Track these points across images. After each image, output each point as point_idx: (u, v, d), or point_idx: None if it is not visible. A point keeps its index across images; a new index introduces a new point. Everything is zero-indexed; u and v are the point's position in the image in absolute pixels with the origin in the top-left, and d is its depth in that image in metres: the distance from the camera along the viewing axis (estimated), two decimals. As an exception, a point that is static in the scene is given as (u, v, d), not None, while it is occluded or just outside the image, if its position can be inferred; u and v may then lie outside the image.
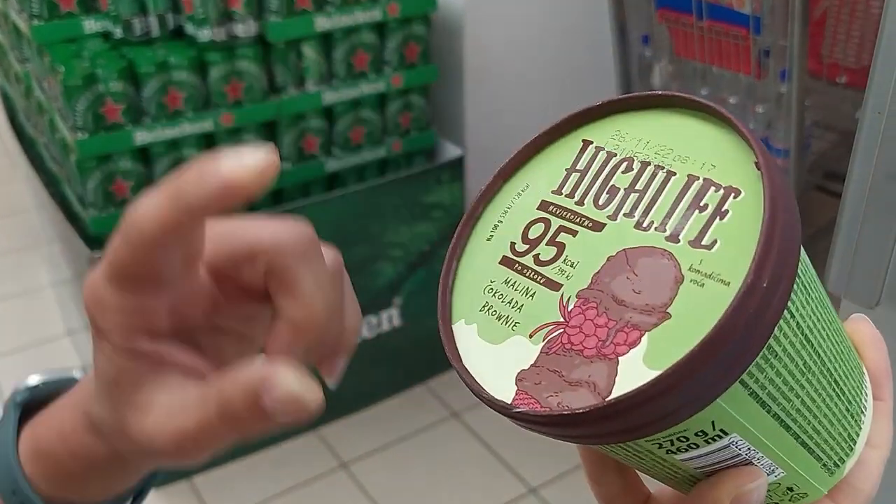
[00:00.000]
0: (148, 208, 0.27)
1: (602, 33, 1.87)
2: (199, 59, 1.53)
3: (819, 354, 0.28)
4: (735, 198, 0.26)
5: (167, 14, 1.56)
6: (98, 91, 1.46)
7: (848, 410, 0.31)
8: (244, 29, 1.53)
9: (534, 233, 0.30)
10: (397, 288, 1.88)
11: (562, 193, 0.31)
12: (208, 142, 1.61)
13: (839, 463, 0.31)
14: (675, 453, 0.27)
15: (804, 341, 0.27)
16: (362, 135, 1.77)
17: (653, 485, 0.34)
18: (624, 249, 0.28)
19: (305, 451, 1.82)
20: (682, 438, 0.26)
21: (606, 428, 0.25)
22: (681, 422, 0.25)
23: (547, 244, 0.30)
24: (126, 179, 1.55)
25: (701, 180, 0.27)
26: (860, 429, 0.32)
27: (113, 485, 0.36)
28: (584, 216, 0.29)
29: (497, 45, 1.84)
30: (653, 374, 0.24)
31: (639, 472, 0.34)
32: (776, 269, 0.24)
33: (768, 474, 0.29)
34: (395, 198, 1.80)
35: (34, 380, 0.37)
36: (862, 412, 0.32)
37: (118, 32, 1.53)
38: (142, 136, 1.52)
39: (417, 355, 1.95)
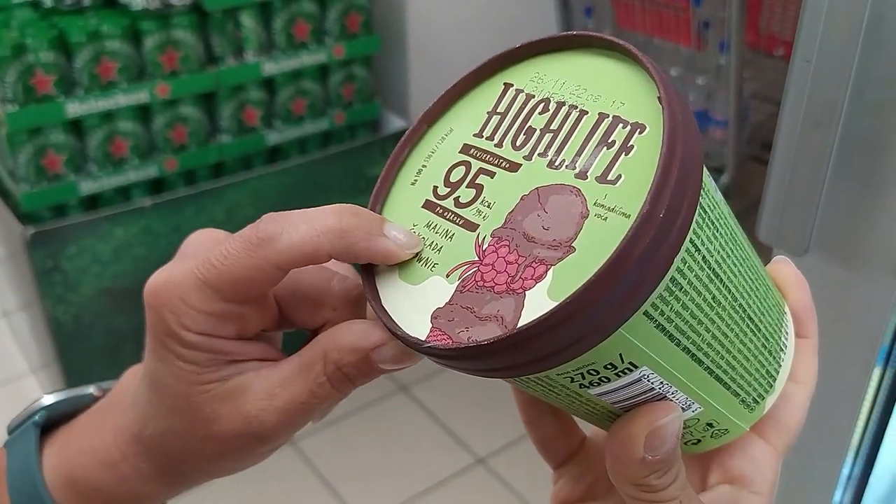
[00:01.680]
0: (294, 235, 0.28)
1: (546, 5, 1.87)
2: (133, 28, 1.49)
3: (729, 290, 0.29)
4: (640, 133, 0.27)
5: (99, -19, 1.51)
6: (28, 62, 1.40)
7: (765, 347, 0.31)
8: (179, -3, 1.49)
9: (455, 176, 0.31)
10: (343, 262, 1.86)
11: (483, 136, 0.31)
12: (143, 113, 1.56)
13: (758, 399, 0.32)
14: (588, 387, 0.28)
15: (711, 275, 0.27)
16: (304, 106, 1.74)
17: (588, 429, 0.35)
18: (537, 188, 0.28)
19: (252, 428, 1.80)
20: (592, 371, 0.27)
21: (512, 359, 0.25)
22: (585, 352, 0.25)
23: (467, 186, 0.30)
24: (58, 153, 1.50)
25: (610, 118, 0.28)
26: (779, 366, 0.32)
27: None
28: (502, 157, 0.30)
29: (440, 15, 1.83)
30: (554, 304, 0.24)
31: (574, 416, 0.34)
32: (674, 200, 0.24)
33: (684, 409, 0.29)
34: (339, 171, 1.78)
35: (49, 399, 0.35)
36: (781, 349, 0.32)
37: (48, 1, 1.47)
38: (74, 108, 1.47)
39: (364, 329, 1.94)
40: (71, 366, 1.61)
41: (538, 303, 0.25)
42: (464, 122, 0.33)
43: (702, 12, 1.78)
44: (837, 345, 0.53)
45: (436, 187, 0.32)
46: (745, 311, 0.30)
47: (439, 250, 0.30)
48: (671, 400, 0.28)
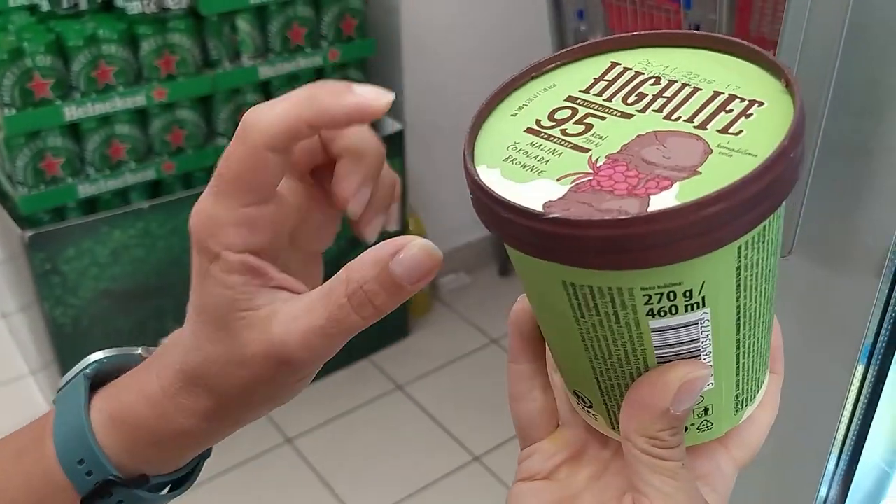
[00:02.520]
0: (271, 112, 0.29)
1: (539, 8, 1.88)
2: (130, 33, 1.50)
3: (774, 275, 0.30)
4: (759, 107, 0.28)
5: (95, -15, 1.52)
6: (25, 65, 1.42)
7: (766, 350, 0.33)
8: (175, 1, 1.50)
9: (561, 115, 0.31)
10: (339, 263, 1.88)
11: (590, 93, 0.31)
12: (141, 117, 1.58)
13: (744, 404, 0.33)
14: (652, 316, 0.28)
15: (775, 251, 0.29)
16: (300, 109, 1.75)
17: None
18: (654, 131, 0.29)
19: (250, 428, 1.81)
20: (671, 294, 0.27)
21: (646, 241, 0.25)
22: (700, 254, 0.26)
23: (574, 123, 0.30)
24: (56, 156, 1.51)
25: (726, 94, 0.29)
26: (765, 379, 0.34)
27: (193, 449, 0.36)
28: (612, 108, 0.30)
29: (435, 18, 1.84)
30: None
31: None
32: (798, 152, 0.26)
33: None
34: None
35: (99, 355, 0.37)
36: (767, 366, 0.34)
37: (45, 5, 1.49)
38: (71, 112, 1.49)
39: (362, 331, 1.95)
40: (70, 367, 1.62)
41: (665, 203, 0.26)
42: (569, 81, 0.32)
43: (692, 15, 1.79)
44: (821, 343, 0.54)
45: (539, 120, 0.31)
46: (772, 303, 0.31)
47: (546, 162, 0.29)
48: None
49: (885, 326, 0.52)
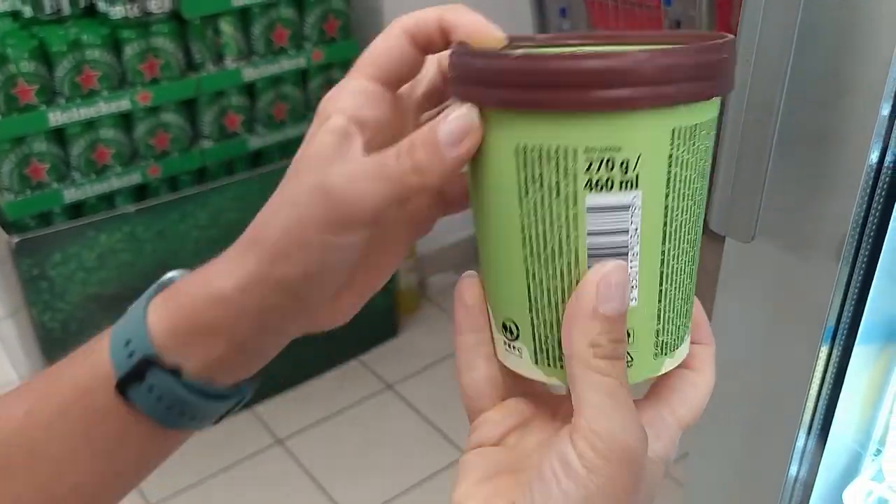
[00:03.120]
0: (415, 11, 0.34)
1: (521, 7, 1.90)
2: (113, 37, 1.51)
3: (699, 206, 0.32)
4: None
5: (78, -9, 1.53)
6: (9, 72, 1.42)
7: (687, 301, 0.34)
8: (158, 5, 1.51)
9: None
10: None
11: None
12: (125, 121, 1.58)
13: (665, 350, 0.34)
14: (591, 189, 0.30)
15: (702, 173, 0.32)
16: (285, 111, 1.76)
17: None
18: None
19: (241, 430, 1.83)
20: (609, 163, 0.30)
21: (594, 77, 0.29)
22: (638, 107, 0.29)
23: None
24: (41, 162, 1.52)
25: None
26: (685, 336, 0.35)
27: (233, 342, 0.36)
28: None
29: (416, 18, 1.85)
30: None
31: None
32: (730, 58, 0.31)
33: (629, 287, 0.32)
34: (321, 173, 1.80)
35: (176, 273, 0.38)
36: (688, 321, 0.35)
37: (28, 11, 1.49)
38: (56, 117, 1.49)
39: (350, 330, 1.96)
40: (59, 372, 1.63)
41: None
42: None
43: (673, 11, 1.82)
44: (787, 325, 0.56)
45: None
46: (696, 245, 0.33)
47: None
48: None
49: (846, 308, 0.54)
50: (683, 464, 0.67)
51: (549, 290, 0.32)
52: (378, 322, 2.01)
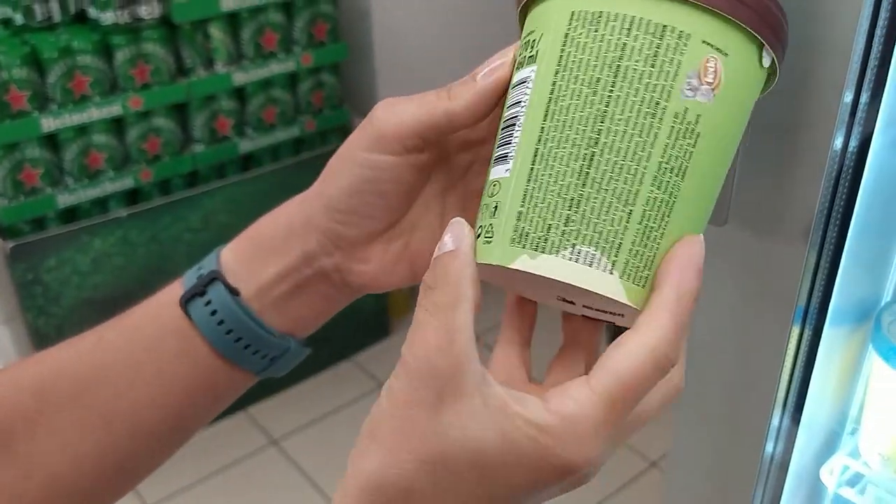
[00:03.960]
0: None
1: (510, 11, 1.91)
2: (104, 43, 1.53)
3: (606, 105, 0.31)
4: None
5: (68, -2, 1.55)
6: (1, 78, 1.44)
7: (566, 203, 0.31)
8: (148, 10, 1.53)
9: None
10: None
11: None
12: (117, 126, 1.60)
13: (523, 242, 0.31)
14: (516, 69, 0.34)
15: (617, 70, 0.31)
16: (275, 114, 1.78)
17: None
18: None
19: (235, 431, 1.84)
20: (527, 44, 0.33)
21: None
22: None
23: None
24: (35, 167, 1.53)
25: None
26: (564, 247, 0.31)
27: (313, 294, 0.42)
28: None
29: (405, 21, 1.88)
30: None
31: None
32: None
33: (504, 158, 0.33)
34: (311, 177, 1.80)
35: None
36: (566, 227, 0.31)
37: (19, 18, 1.51)
38: (49, 123, 1.51)
39: (343, 331, 1.98)
40: (54, 375, 1.64)
41: None
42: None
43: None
44: (760, 307, 0.58)
45: None
46: (594, 147, 0.31)
47: None
48: (510, 143, 0.33)
49: (815, 290, 0.56)
50: (663, 445, 0.69)
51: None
52: (370, 323, 2.03)
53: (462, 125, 0.37)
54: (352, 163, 0.39)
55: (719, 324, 0.60)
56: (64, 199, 1.58)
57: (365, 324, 2.00)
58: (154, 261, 1.66)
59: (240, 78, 1.69)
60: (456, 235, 0.32)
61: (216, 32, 1.63)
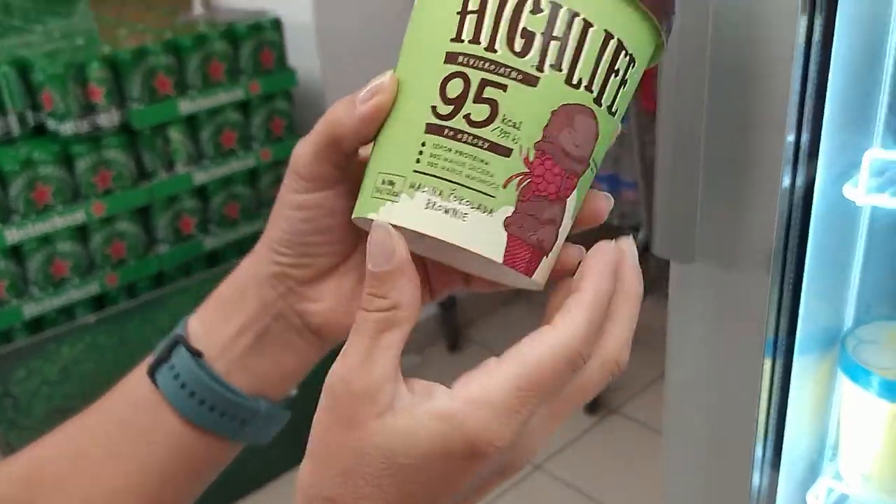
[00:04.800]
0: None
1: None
2: (65, 153, 1.55)
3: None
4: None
5: (26, 112, 1.57)
6: (-38, 194, 1.45)
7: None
8: (108, 119, 1.56)
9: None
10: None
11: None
12: (81, 233, 1.61)
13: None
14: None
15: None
16: (237, 210, 1.81)
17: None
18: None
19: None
20: None
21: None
22: None
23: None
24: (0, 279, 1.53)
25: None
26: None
27: (277, 346, 0.42)
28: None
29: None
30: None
31: None
32: None
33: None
34: (277, 268, 1.83)
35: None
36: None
37: (-23, 135, 1.53)
38: (12, 235, 1.51)
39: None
40: (25, 492, 1.59)
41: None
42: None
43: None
44: (732, 341, 0.61)
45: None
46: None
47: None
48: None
49: (781, 321, 0.60)
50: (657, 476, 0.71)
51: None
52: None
53: (352, 148, 0.37)
54: (285, 206, 0.40)
55: (695, 360, 0.63)
56: (30, 310, 1.57)
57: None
58: (124, 364, 1.62)
59: (201, 177, 1.72)
60: (381, 242, 0.32)
61: (175, 135, 1.67)
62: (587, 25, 0.29)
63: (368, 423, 0.31)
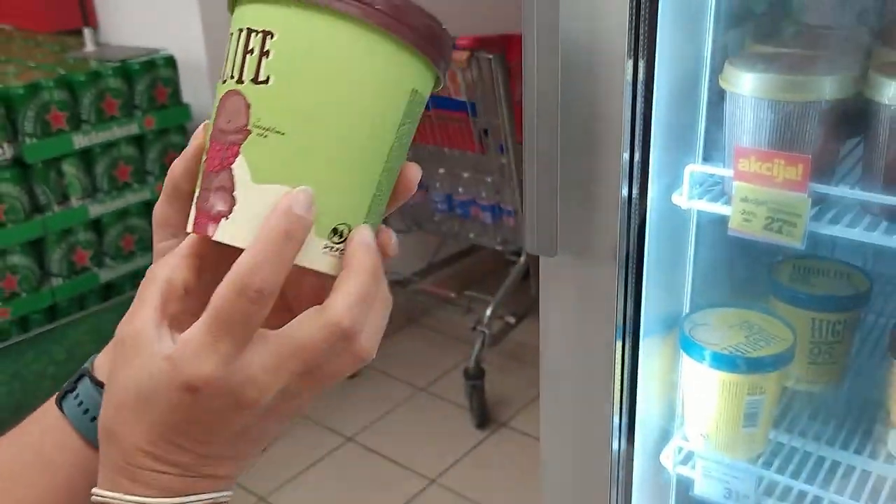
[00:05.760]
0: None
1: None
2: (-45, 187, 1.55)
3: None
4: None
5: (-86, 147, 1.57)
6: None
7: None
8: (0, 153, 1.58)
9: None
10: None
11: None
12: (-27, 267, 1.61)
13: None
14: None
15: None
16: (133, 242, 1.84)
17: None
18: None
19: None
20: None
21: None
22: None
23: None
24: None
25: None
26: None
27: None
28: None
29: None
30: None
31: None
32: None
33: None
34: (173, 298, 1.87)
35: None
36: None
37: None
38: None
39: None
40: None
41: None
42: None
43: (480, 122, 2.08)
44: (588, 326, 0.73)
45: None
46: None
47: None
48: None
49: (628, 309, 0.72)
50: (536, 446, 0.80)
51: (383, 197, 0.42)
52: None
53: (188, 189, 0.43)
54: (157, 256, 0.44)
55: (565, 343, 0.75)
56: (-84, 346, 1.55)
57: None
58: (17, 398, 1.63)
59: (96, 210, 1.74)
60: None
61: (69, 168, 1.69)
62: (240, 32, 0.39)
63: (133, 362, 0.38)
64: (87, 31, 1.88)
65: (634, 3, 0.61)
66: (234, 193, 0.38)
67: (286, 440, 2.15)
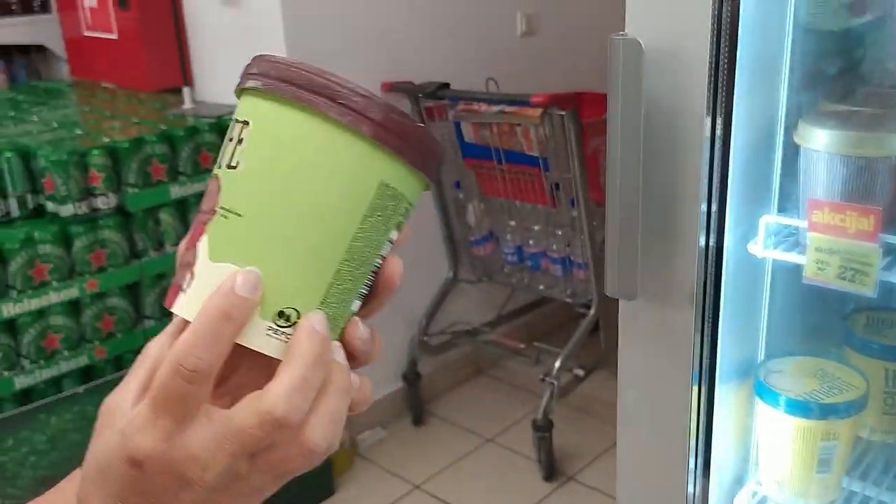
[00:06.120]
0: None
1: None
2: (63, 233, 1.67)
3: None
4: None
5: (26, 195, 1.70)
6: (-37, 271, 1.55)
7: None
8: (105, 201, 1.70)
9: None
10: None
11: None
12: (73, 307, 1.71)
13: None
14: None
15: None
16: (219, 288, 1.93)
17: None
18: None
19: None
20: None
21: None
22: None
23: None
24: (-5, 351, 1.61)
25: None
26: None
27: None
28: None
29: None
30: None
31: None
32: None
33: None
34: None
35: None
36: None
37: (-20, 217, 1.64)
38: (8, 309, 1.61)
39: (286, 492, 2.03)
40: (11, 556, 1.64)
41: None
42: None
43: (551, 176, 2.13)
44: (666, 370, 0.77)
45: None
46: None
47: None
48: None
49: (704, 356, 0.75)
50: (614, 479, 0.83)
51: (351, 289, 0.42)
52: (314, 482, 2.09)
53: None
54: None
55: (643, 384, 0.78)
56: (21, 382, 1.65)
57: (308, 484, 2.07)
58: (109, 433, 1.71)
59: (187, 256, 1.84)
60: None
61: (165, 217, 1.80)
62: (236, 123, 0.42)
63: (101, 434, 0.40)
64: (185, 90, 2.01)
65: (713, 65, 0.65)
66: (194, 269, 0.40)
67: (356, 485, 2.19)
